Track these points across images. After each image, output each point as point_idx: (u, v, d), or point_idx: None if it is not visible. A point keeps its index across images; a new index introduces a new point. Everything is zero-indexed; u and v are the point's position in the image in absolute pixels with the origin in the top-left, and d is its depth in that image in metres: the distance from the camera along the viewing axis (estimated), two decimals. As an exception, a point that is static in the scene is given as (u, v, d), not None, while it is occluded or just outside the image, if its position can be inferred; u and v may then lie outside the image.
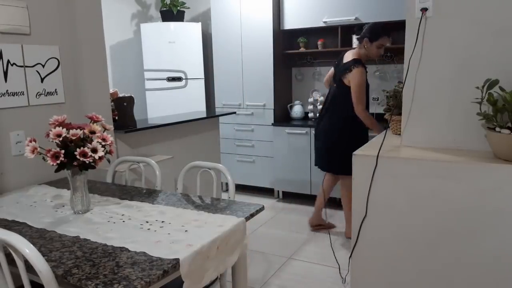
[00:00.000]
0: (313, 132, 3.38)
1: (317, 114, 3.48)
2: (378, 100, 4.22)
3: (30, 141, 1.54)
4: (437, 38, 1.71)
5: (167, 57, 4.62)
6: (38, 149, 1.54)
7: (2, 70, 1.96)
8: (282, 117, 4.50)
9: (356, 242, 1.78)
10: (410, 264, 1.69)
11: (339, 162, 3.11)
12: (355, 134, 3.08)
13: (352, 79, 2.96)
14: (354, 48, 3.16)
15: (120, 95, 2.71)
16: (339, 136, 3.11)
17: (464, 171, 1.54)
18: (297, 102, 4.54)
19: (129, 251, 1.29)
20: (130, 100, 2.70)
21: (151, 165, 2.22)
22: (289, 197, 4.43)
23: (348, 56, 3.07)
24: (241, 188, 4.63)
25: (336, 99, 3.12)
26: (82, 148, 1.53)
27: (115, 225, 1.52)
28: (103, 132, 1.64)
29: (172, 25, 4.61)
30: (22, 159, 2.04)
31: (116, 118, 2.64)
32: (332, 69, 3.29)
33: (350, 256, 1.83)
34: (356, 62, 2.99)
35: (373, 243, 1.75)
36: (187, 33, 4.66)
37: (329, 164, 3.24)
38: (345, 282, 2.59)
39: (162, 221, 1.54)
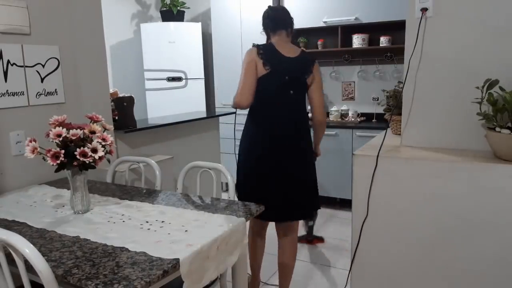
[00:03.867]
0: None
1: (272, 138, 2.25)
2: (378, 100, 4.22)
3: (30, 141, 1.54)
4: (437, 38, 1.71)
5: (167, 57, 4.62)
6: (38, 149, 1.54)
7: (2, 70, 1.96)
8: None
9: (358, 243, 1.78)
10: (411, 264, 1.69)
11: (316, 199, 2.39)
12: None
13: (317, 74, 2.30)
14: (275, 38, 2.34)
15: (120, 95, 2.71)
16: (313, 165, 2.35)
17: (464, 171, 1.54)
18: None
19: (129, 251, 1.29)
20: (130, 100, 2.70)
21: (151, 165, 2.22)
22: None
23: (292, 49, 2.28)
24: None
25: (301, 112, 2.27)
26: (82, 148, 1.53)
27: (115, 225, 1.52)
28: (103, 132, 1.64)
29: (172, 25, 4.61)
30: (22, 159, 2.04)
31: (116, 118, 2.64)
32: (248, 78, 2.21)
33: (353, 258, 1.83)
34: (308, 54, 2.37)
35: (375, 243, 1.75)
36: (187, 33, 4.67)
37: (309, 208, 2.39)
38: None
39: (162, 221, 1.54)
